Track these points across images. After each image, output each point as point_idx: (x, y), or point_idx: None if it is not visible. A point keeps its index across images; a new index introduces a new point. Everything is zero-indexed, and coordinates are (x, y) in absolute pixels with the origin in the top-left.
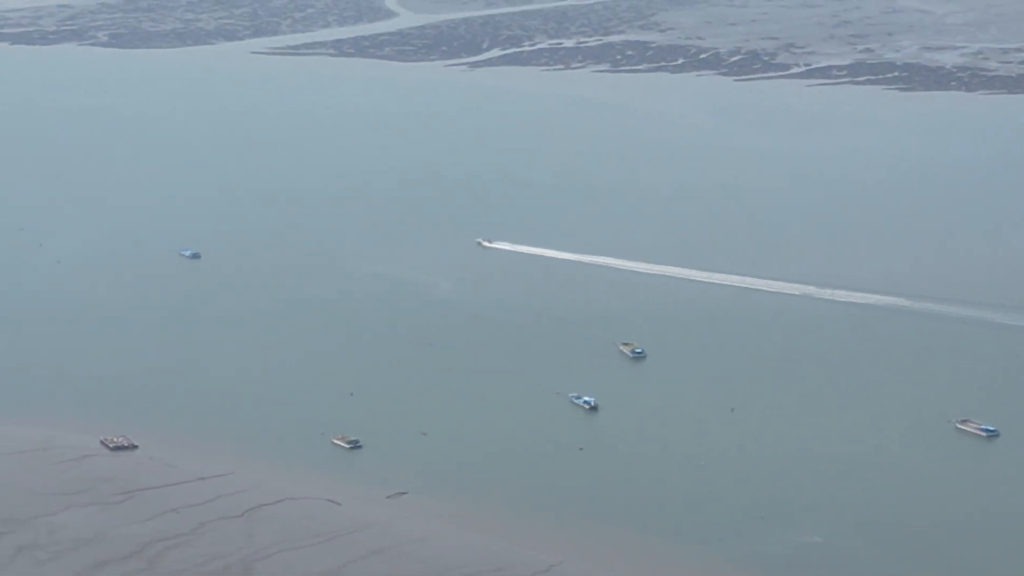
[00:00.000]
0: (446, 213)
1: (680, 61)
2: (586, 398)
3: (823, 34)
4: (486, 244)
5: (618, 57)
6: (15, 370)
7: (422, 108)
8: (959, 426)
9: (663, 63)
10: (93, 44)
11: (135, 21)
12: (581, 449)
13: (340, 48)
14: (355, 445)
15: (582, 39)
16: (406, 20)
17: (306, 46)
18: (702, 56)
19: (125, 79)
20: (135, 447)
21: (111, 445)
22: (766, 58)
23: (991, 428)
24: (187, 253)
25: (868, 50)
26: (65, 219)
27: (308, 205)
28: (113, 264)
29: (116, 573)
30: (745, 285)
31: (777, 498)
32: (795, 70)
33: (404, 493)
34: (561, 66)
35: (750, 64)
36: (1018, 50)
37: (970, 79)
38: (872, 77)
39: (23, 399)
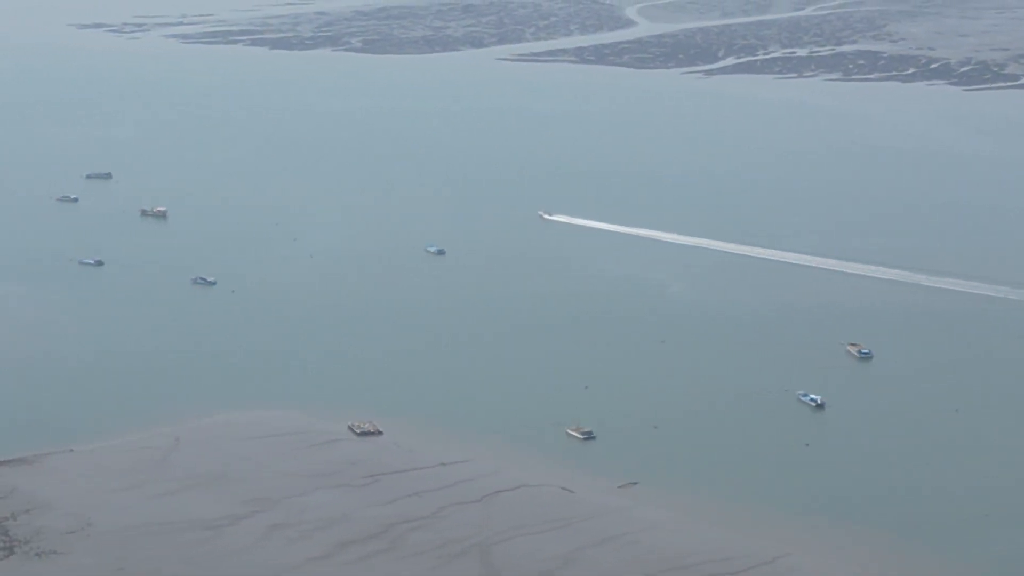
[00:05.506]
0: (669, 211)
1: (911, 71)
2: (813, 396)
3: None
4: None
5: (850, 66)
6: (272, 359)
7: (657, 111)
8: None
9: (894, 72)
10: (347, 50)
11: (387, 28)
12: (807, 445)
13: (581, 55)
14: (588, 436)
15: (815, 48)
16: (645, 29)
17: (548, 53)
18: (932, 66)
19: (377, 82)
20: (380, 433)
21: (358, 431)
22: (996, 68)
23: None
24: (433, 249)
25: None
26: (319, 215)
27: (547, 204)
28: (362, 258)
29: (360, 552)
30: (970, 290)
31: (1002, 498)
32: None
33: (635, 483)
34: (794, 75)
35: (980, 74)
36: None
37: None
38: None
39: (279, 387)
